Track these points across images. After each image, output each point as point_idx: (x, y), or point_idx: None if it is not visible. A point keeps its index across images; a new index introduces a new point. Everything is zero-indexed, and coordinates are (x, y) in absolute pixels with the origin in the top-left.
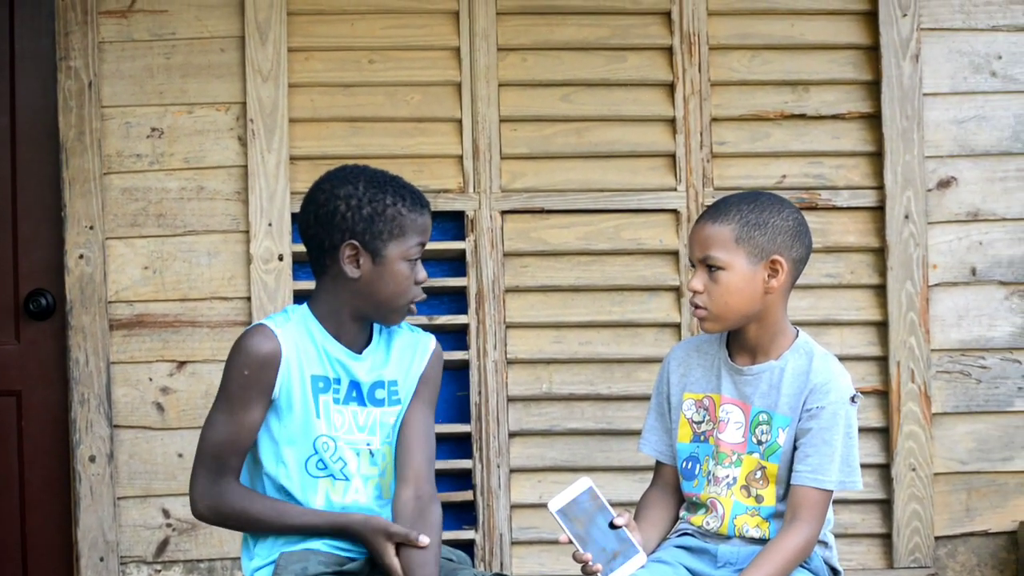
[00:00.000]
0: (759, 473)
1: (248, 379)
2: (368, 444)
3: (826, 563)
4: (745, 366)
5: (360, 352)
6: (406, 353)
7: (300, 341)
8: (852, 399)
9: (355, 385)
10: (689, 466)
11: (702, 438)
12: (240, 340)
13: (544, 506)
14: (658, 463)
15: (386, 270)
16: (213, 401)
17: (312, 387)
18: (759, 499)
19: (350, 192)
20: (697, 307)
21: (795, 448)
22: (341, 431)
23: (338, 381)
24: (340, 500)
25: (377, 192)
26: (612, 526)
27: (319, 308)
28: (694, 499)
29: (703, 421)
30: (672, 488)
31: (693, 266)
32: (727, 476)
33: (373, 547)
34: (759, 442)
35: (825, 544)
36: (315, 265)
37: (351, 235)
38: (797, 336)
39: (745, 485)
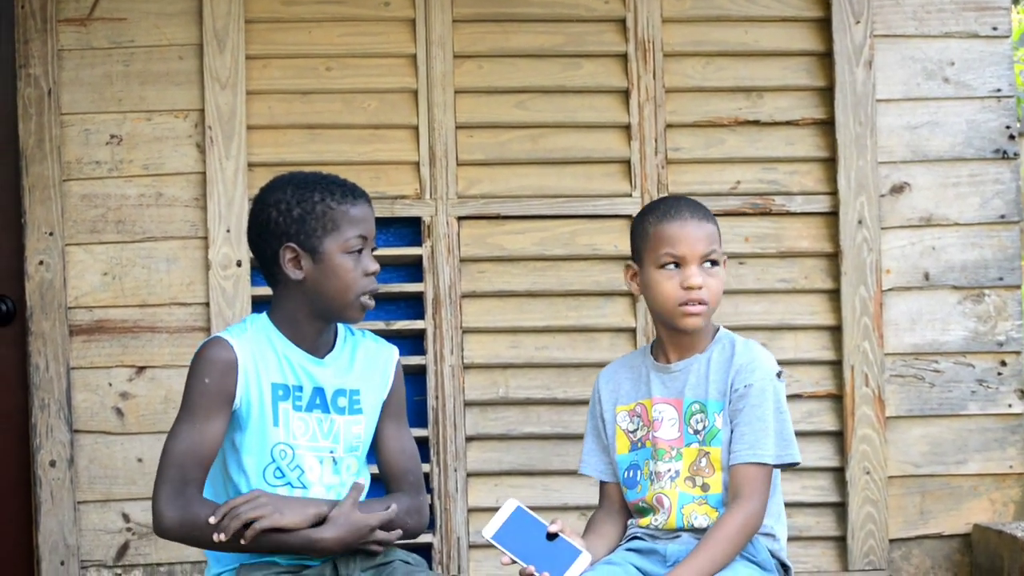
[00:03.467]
0: (703, 461)
1: (208, 387)
2: (331, 452)
3: (774, 556)
4: (671, 363)
5: (323, 357)
6: (369, 363)
7: (258, 350)
8: (778, 375)
9: (318, 391)
10: (631, 474)
11: (639, 444)
12: (198, 352)
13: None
14: (602, 483)
15: (327, 266)
16: (176, 415)
17: (271, 395)
18: (705, 487)
19: (279, 197)
20: (700, 302)
21: (731, 432)
22: (303, 438)
23: (300, 388)
24: None
25: (305, 192)
26: (550, 536)
27: (276, 316)
28: (640, 504)
29: (637, 428)
30: (618, 505)
31: (676, 266)
32: (668, 470)
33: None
34: (695, 432)
35: (773, 536)
36: (266, 276)
37: (287, 238)
38: (718, 330)
39: (689, 476)
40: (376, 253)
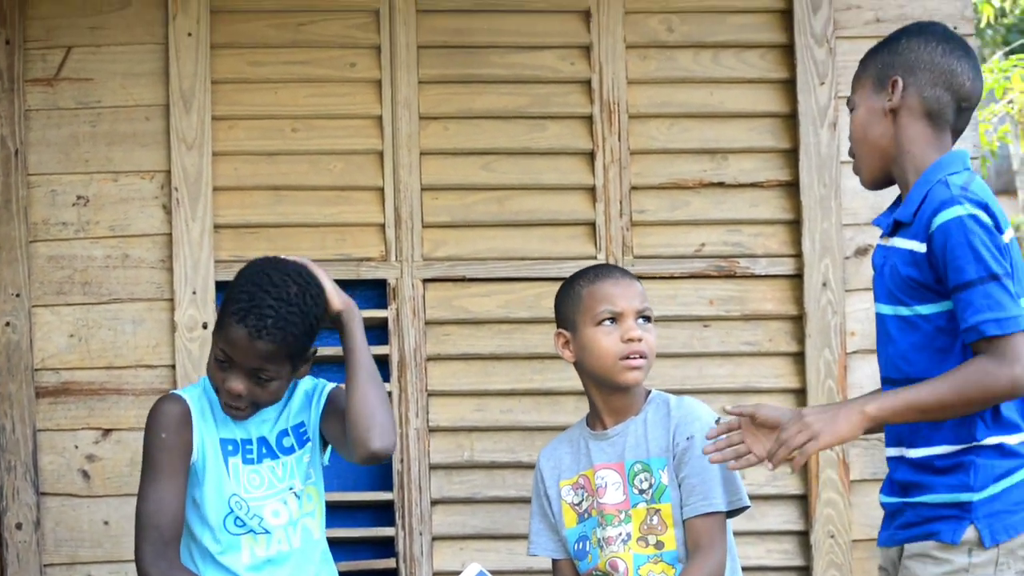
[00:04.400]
0: (655, 519)
1: (166, 442)
2: (291, 488)
3: None
4: (608, 428)
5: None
6: (304, 397)
7: (204, 406)
8: (717, 422)
9: (262, 441)
10: (581, 546)
11: (586, 515)
12: (152, 410)
13: None
14: (554, 562)
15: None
16: (140, 476)
17: (222, 449)
18: (659, 545)
19: (236, 286)
20: (641, 355)
21: (680, 486)
22: (259, 491)
23: (248, 442)
24: (264, 553)
25: (238, 295)
26: None
27: None
28: (594, 573)
29: (582, 500)
30: None
31: (613, 321)
32: (619, 534)
33: None
34: (641, 491)
35: None
36: None
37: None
38: (650, 392)
39: (642, 536)
40: None
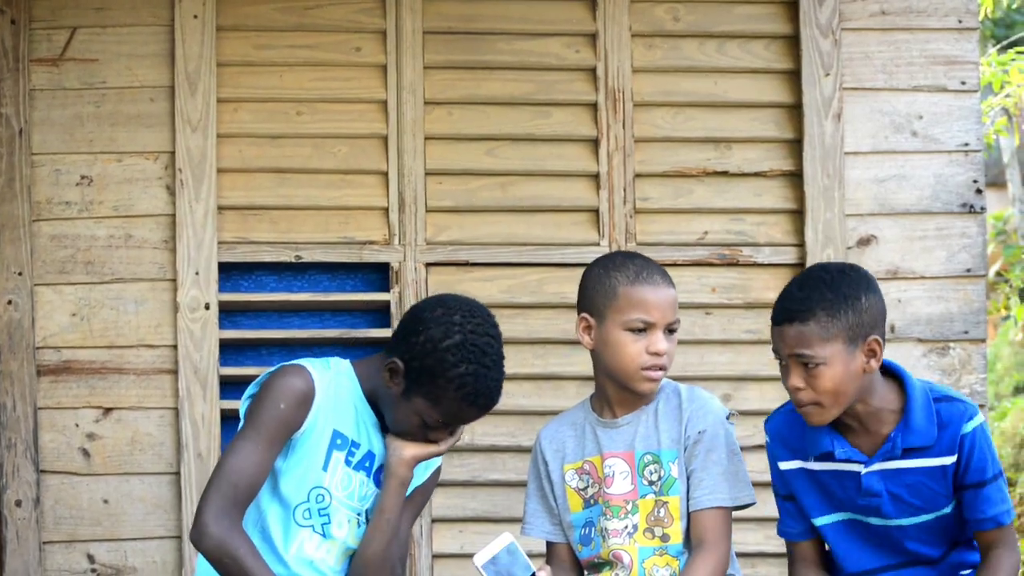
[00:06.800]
0: (661, 511)
1: (282, 413)
2: (358, 514)
3: None
4: (618, 418)
5: (383, 431)
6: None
7: (334, 393)
8: (728, 417)
9: (371, 455)
10: (587, 532)
11: (592, 502)
12: (279, 377)
13: (465, 556)
14: (549, 545)
15: (405, 401)
16: (240, 430)
17: (330, 439)
18: (665, 538)
19: (448, 360)
20: (661, 368)
21: (687, 479)
22: (342, 492)
23: (356, 445)
24: (312, 554)
25: (462, 375)
26: None
27: (365, 371)
28: (595, 561)
29: (588, 486)
30: (569, 563)
31: (643, 330)
32: (625, 526)
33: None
34: (650, 483)
35: None
36: (392, 344)
37: (405, 359)
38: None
39: (648, 528)
40: (344, 297)
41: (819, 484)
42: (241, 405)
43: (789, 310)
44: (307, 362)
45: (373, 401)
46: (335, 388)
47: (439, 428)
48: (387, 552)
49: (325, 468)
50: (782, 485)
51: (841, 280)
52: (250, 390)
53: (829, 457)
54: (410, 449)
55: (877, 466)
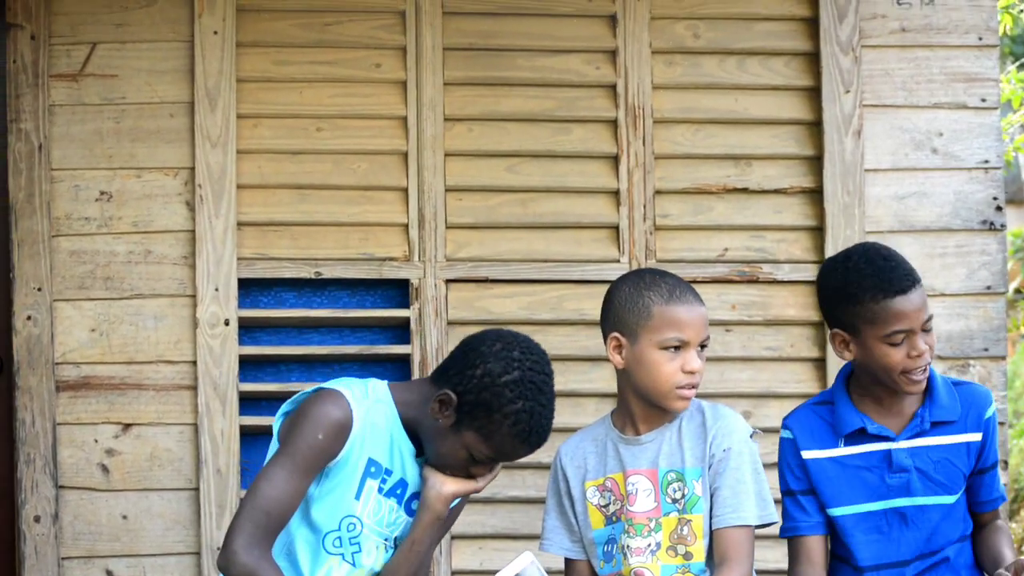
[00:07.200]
0: (685, 529)
1: (320, 443)
2: (386, 540)
3: None
4: (641, 435)
5: (418, 457)
6: None
7: (372, 421)
8: (751, 435)
9: (403, 483)
10: (609, 549)
11: (614, 519)
12: (317, 404)
13: (484, 573)
14: (568, 561)
15: (454, 434)
16: (272, 457)
17: (365, 468)
18: (688, 556)
19: (504, 395)
20: (694, 386)
21: (711, 497)
22: (372, 519)
23: (389, 472)
24: None
25: (517, 412)
26: None
27: (403, 397)
28: None
29: (609, 503)
30: None
31: (677, 349)
32: (648, 544)
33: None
34: (674, 500)
35: None
36: (442, 375)
37: (458, 391)
38: None
39: (671, 546)
40: (364, 314)
41: (846, 472)
42: (275, 421)
43: (910, 275)
44: (345, 387)
45: (410, 428)
46: (372, 417)
47: (484, 464)
48: None
49: (358, 497)
50: (803, 478)
51: None
52: (285, 407)
53: (860, 436)
54: (450, 485)
55: (906, 443)
